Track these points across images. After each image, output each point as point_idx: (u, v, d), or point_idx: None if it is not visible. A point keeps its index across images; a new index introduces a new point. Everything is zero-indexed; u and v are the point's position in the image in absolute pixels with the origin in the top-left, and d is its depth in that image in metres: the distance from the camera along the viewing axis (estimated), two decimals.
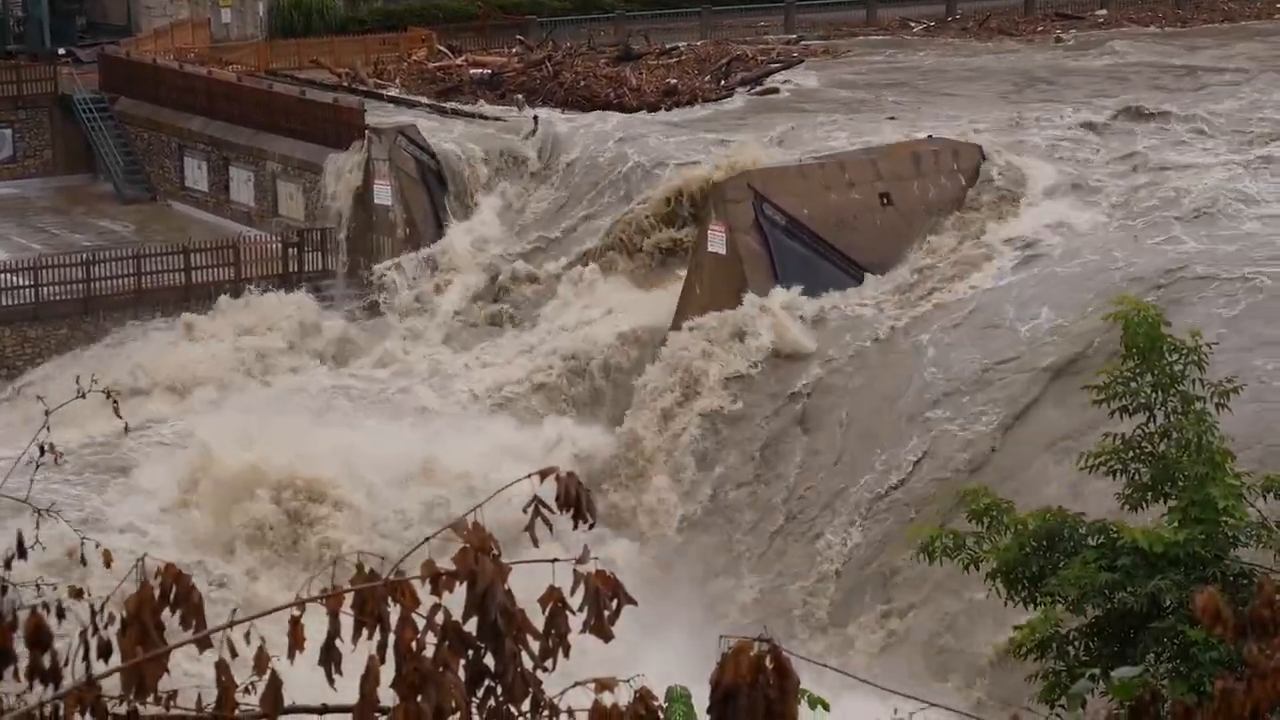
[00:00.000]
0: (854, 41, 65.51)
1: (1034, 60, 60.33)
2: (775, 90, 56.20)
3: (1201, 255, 35.60)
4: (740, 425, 36.09)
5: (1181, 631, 14.58)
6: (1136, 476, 15.98)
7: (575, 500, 5.14)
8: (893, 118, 50.01)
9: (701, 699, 5.01)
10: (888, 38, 66.59)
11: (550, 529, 5.18)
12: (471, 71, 58.28)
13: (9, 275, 45.79)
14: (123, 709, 4.96)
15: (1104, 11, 70.25)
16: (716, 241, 39.37)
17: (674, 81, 56.19)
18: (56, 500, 14.24)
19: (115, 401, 10.45)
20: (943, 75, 58.17)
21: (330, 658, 5.02)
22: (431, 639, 4.87)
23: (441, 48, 62.06)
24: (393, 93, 56.43)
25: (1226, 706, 5.03)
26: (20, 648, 5.05)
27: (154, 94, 57.39)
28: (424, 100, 54.83)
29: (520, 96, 54.43)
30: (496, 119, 51.77)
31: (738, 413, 36.25)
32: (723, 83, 56.97)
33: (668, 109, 53.34)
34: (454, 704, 4.82)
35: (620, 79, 56.14)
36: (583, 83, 55.52)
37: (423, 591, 4.95)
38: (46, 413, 8.47)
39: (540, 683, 4.95)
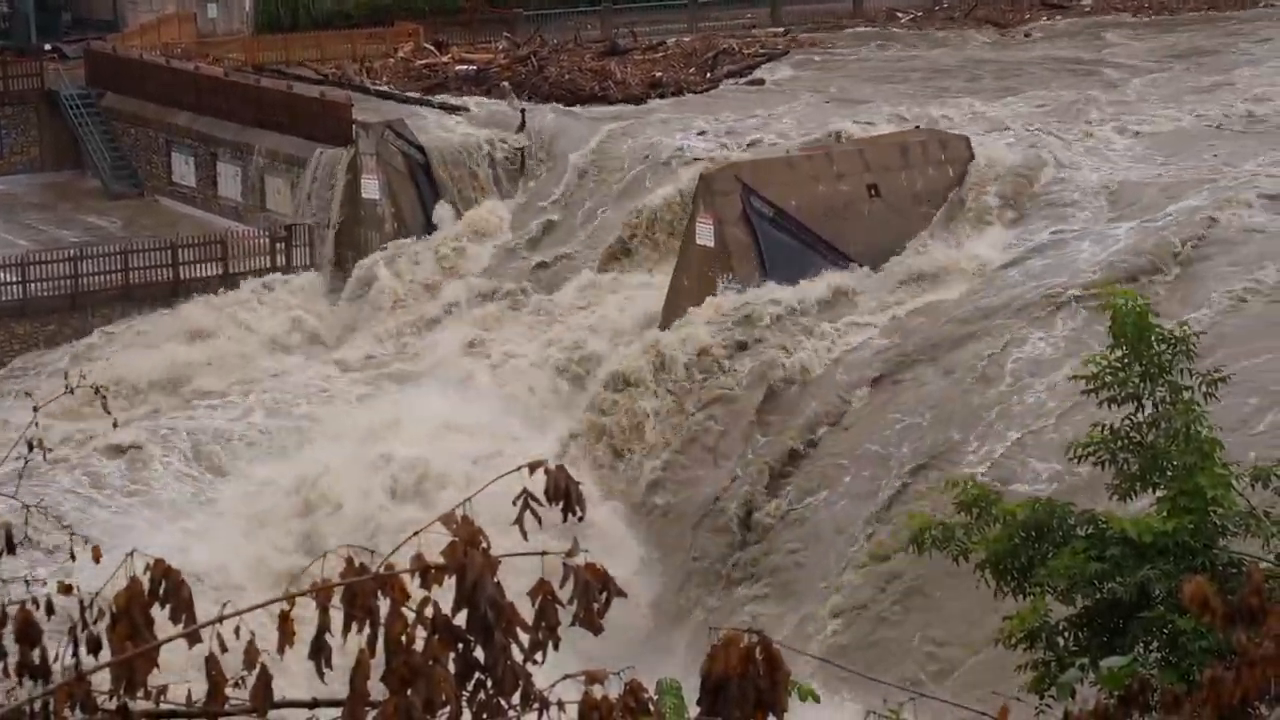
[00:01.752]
0: (836, 36, 65.26)
1: (962, 54, 60.22)
2: (761, 82, 56.23)
3: None
4: None
5: (1171, 621, 14.59)
6: (1125, 466, 15.99)
7: (565, 493, 5.14)
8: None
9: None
10: (874, 29, 66.37)
11: (540, 522, 5.18)
12: (458, 68, 58.24)
13: None
14: (112, 704, 4.96)
15: (1089, 0, 70.24)
16: (705, 234, 39.37)
17: (659, 75, 56.24)
18: None
19: (104, 398, 10.44)
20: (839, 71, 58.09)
21: (320, 651, 5.02)
22: (421, 632, 4.87)
23: (428, 45, 61.98)
24: (381, 87, 56.39)
25: (1215, 695, 5.04)
26: (9, 643, 5.05)
27: (141, 89, 57.29)
28: (412, 95, 54.81)
29: (507, 84, 54.32)
30: (484, 112, 51.77)
31: None
32: (709, 75, 57.00)
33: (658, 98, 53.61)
34: (444, 697, 4.82)
35: (605, 72, 56.17)
36: (567, 77, 55.53)
37: (412, 585, 4.95)
38: (35, 409, 8.46)
39: (530, 675, 4.94)
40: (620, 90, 54.11)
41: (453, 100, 53.56)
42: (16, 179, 57.51)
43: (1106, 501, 16.52)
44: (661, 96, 53.94)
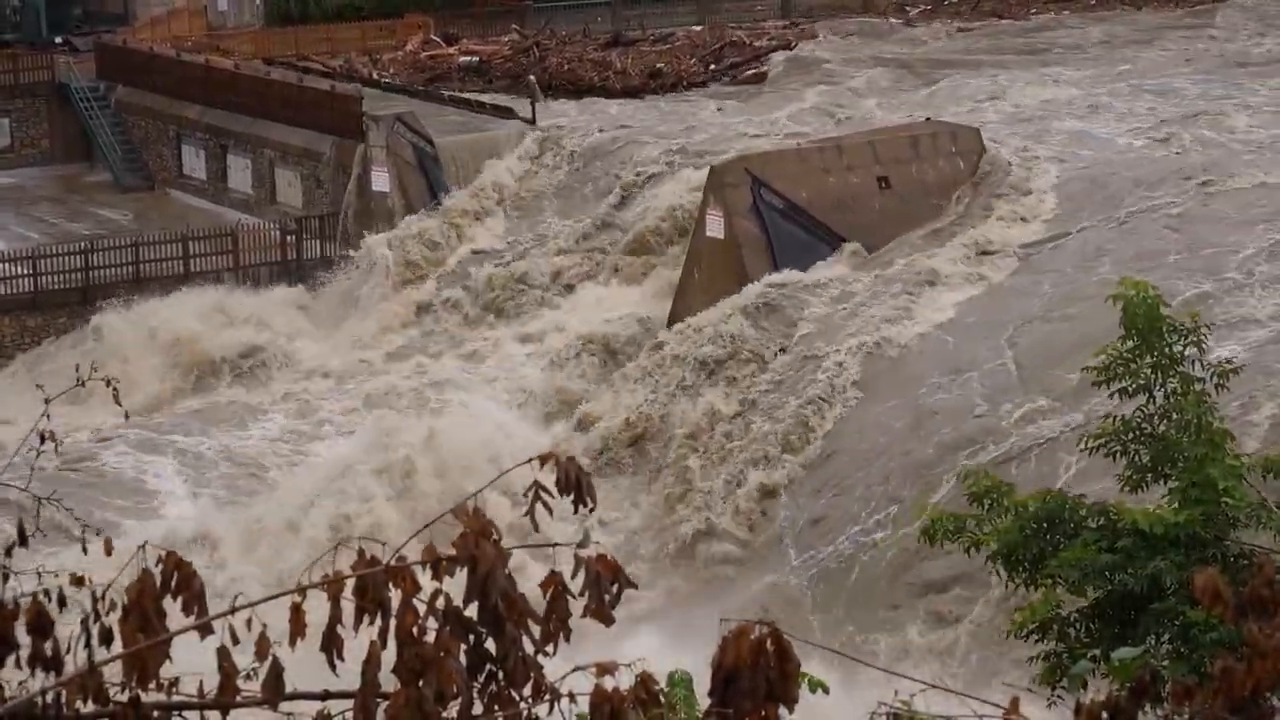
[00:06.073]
0: (837, 27, 65.04)
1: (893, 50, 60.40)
2: (764, 75, 56.06)
3: None
4: None
5: (1182, 612, 14.58)
6: (1136, 458, 15.98)
7: (576, 484, 5.14)
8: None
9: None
10: (874, 22, 66.08)
11: (550, 514, 5.17)
12: (461, 59, 58.19)
13: (8, 265, 45.79)
14: (124, 696, 4.96)
15: None
16: (714, 226, 39.34)
17: (661, 66, 56.07)
18: None
19: (115, 390, 10.41)
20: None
21: (332, 644, 5.02)
22: (432, 624, 4.87)
23: (435, 37, 61.94)
24: (388, 80, 56.37)
25: (1227, 686, 5.03)
26: (22, 635, 5.06)
27: (151, 82, 57.33)
28: (420, 88, 54.78)
29: (533, 79, 53.90)
30: (500, 107, 51.67)
31: None
32: (712, 67, 56.83)
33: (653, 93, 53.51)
34: (455, 689, 4.82)
35: (605, 63, 56.06)
36: (566, 67, 55.42)
37: (423, 577, 4.95)
38: (46, 400, 8.45)
39: (541, 667, 4.95)
40: (619, 80, 54.00)
41: (471, 95, 53.47)
42: (27, 172, 57.55)
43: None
44: (660, 89, 53.83)
